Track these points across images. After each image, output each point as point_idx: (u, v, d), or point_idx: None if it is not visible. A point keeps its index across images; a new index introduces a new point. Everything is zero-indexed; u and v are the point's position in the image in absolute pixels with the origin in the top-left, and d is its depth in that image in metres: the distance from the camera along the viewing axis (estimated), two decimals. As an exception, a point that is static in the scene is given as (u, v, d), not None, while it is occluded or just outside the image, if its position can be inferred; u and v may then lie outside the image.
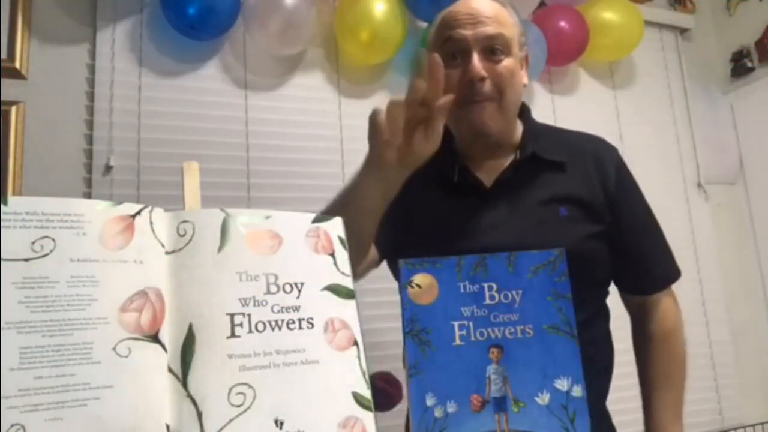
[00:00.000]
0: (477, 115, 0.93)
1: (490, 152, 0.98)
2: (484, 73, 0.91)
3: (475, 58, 0.91)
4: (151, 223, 0.54)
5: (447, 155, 0.95)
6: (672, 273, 1.06)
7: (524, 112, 1.03)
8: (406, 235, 0.97)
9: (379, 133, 0.79)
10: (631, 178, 1.05)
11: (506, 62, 0.93)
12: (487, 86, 0.92)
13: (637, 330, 1.08)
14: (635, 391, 2.22)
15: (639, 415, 2.07)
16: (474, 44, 0.92)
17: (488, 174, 0.97)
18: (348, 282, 0.62)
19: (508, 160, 0.98)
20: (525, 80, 0.99)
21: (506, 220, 0.94)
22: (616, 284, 1.06)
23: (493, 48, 0.92)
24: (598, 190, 0.98)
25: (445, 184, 0.98)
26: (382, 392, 1.30)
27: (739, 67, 2.54)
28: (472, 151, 0.99)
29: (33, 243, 0.48)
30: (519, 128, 1.01)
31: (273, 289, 0.57)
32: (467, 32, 0.92)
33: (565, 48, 2.13)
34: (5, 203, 0.48)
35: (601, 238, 0.96)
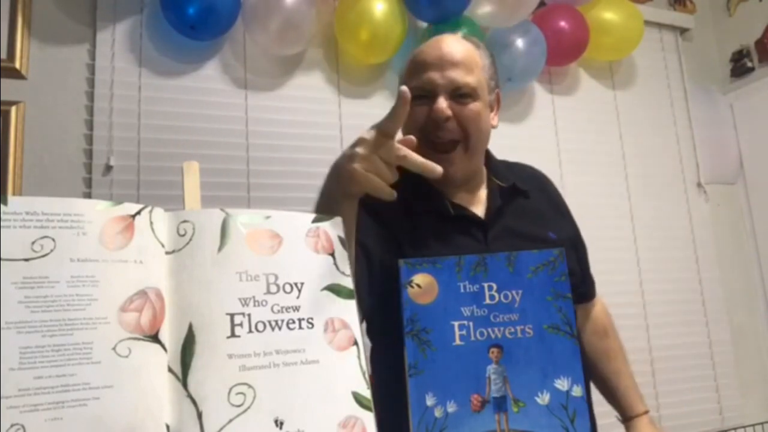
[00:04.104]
0: (441, 165, 0.90)
1: (463, 186, 1.00)
2: (449, 112, 0.92)
3: (441, 100, 0.92)
4: (151, 223, 0.54)
5: (428, 189, 0.95)
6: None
7: (486, 151, 1.05)
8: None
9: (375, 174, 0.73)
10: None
11: (473, 105, 0.94)
12: (453, 126, 0.93)
13: (586, 333, 1.14)
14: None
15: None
16: (441, 88, 0.93)
17: (470, 204, 0.98)
18: (348, 282, 0.62)
19: (481, 191, 1.01)
20: (494, 122, 1.01)
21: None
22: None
23: (461, 93, 0.93)
24: (559, 212, 1.07)
25: (441, 216, 0.96)
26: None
27: (739, 67, 2.54)
28: (444, 187, 0.98)
29: (33, 243, 0.48)
30: (483, 166, 1.04)
31: (273, 289, 0.57)
32: (435, 77, 0.93)
33: (565, 48, 2.13)
34: (5, 203, 0.48)
35: (581, 256, 1.07)
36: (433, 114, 0.92)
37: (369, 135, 0.75)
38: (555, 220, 1.03)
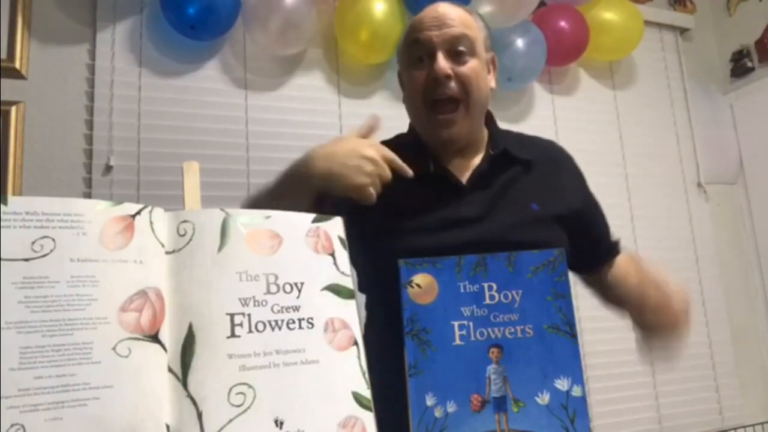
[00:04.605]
0: (444, 127, 0.95)
1: (459, 152, 1.00)
2: (449, 70, 0.93)
3: (440, 57, 0.93)
4: (151, 223, 0.54)
5: (419, 151, 0.98)
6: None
7: (489, 117, 1.06)
8: (378, 220, 0.93)
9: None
10: (580, 169, 1.11)
11: (471, 63, 0.95)
12: (453, 85, 0.94)
13: (611, 278, 1.08)
14: (632, 391, 2.20)
15: (639, 415, 2.06)
16: (439, 45, 0.94)
17: (461, 171, 0.99)
18: (348, 282, 0.62)
19: (477, 158, 1.01)
20: (492, 84, 1.02)
21: (483, 216, 0.95)
22: (588, 265, 1.08)
23: (458, 49, 0.95)
24: (561, 186, 1.02)
25: (421, 177, 0.96)
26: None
27: (739, 67, 2.54)
28: (442, 151, 1.00)
29: (33, 243, 0.48)
30: (485, 131, 1.04)
31: (273, 289, 0.57)
32: (432, 33, 0.95)
33: (565, 48, 2.13)
34: (5, 203, 0.48)
35: (564, 229, 0.99)
36: (434, 73, 0.93)
37: (375, 152, 0.84)
38: (550, 194, 0.99)
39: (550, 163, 1.04)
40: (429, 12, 0.98)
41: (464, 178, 0.98)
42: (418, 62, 0.96)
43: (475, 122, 0.99)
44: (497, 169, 0.99)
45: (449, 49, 0.94)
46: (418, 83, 0.96)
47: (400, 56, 1.03)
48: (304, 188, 0.86)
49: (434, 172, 0.97)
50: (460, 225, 0.93)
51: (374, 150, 0.85)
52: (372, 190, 0.83)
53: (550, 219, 0.97)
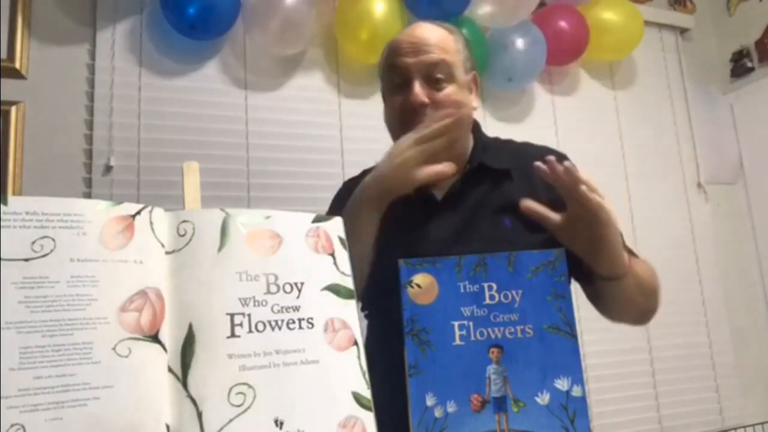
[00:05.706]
0: None
1: None
2: (425, 99, 0.92)
3: (416, 86, 0.92)
4: (151, 223, 0.54)
5: None
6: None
7: (475, 128, 1.04)
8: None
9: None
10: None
11: (448, 89, 0.93)
12: (431, 113, 0.92)
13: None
14: (632, 391, 2.21)
15: (639, 415, 2.07)
16: (416, 72, 0.93)
17: (441, 188, 0.98)
18: (348, 282, 0.62)
19: (458, 175, 0.99)
20: (475, 103, 1.00)
21: (455, 234, 0.94)
22: (585, 278, 0.93)
23: (436, 76, 0.93)
24: (543, 195, 0.93)
25: (400, 200, 0.96)
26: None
27: (739, 67, 2.54)
28: None
29: (33, 243, 0.48)
30: (470, 144, 1.02)
31: (273, 289, 0.57)
32: (409, 60, 0.93)
33: (565, 48, 2.13)
34: (5, 203, 0.48)
35: (546, 244, 0.87)
36: (408, 102, 0.92)
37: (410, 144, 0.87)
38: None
39: (529, 169, 0.93)
40: (407, 36, 0.96)
41: (442, 193, 0.97)
42: (396, 88, 0.95)
43: (458, 146, 0.97)
44: (475, 184, 0.97)
45: (426, 75, 0.93)
46: (395, 109, 0.95)
47: (380, 78, 1.02)
48: (368, 213, 0.89)
49: (415, 195, 0.94)
50: (434, 246, 0.92)
51: (408, 142, 0.88)
52: (417, 171, 0.87)
53: (524, 232, 0.92)
